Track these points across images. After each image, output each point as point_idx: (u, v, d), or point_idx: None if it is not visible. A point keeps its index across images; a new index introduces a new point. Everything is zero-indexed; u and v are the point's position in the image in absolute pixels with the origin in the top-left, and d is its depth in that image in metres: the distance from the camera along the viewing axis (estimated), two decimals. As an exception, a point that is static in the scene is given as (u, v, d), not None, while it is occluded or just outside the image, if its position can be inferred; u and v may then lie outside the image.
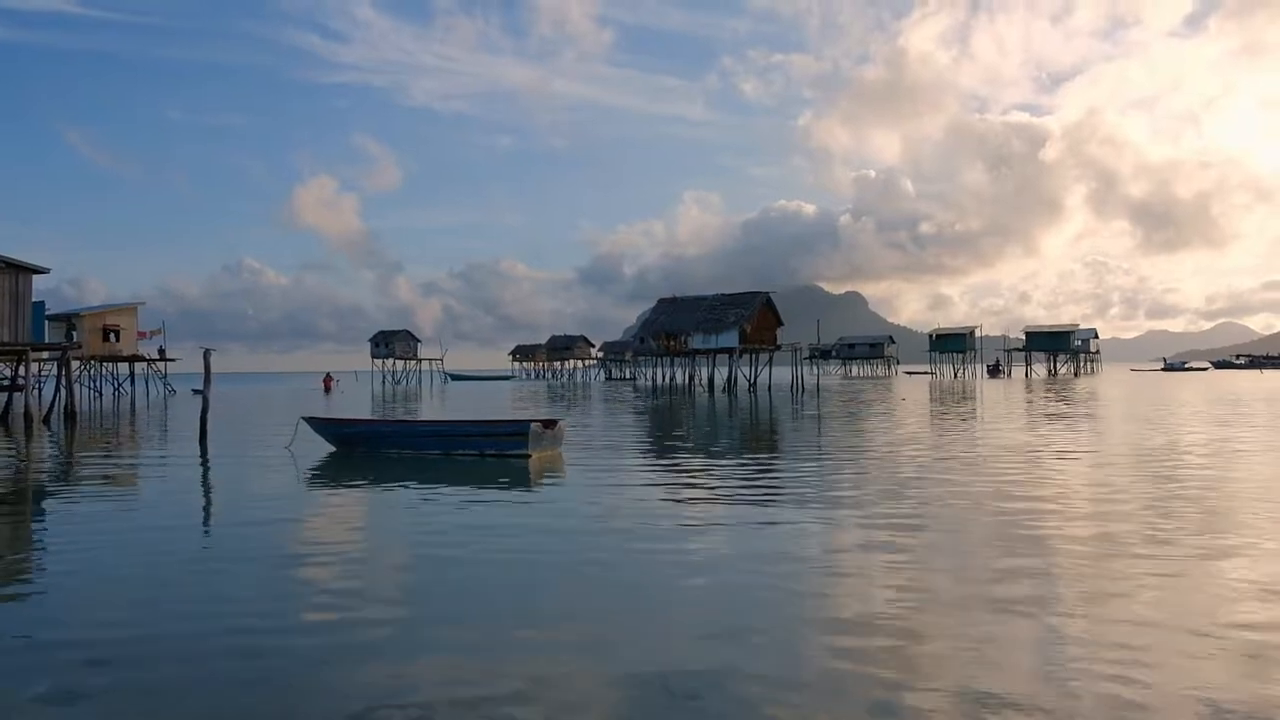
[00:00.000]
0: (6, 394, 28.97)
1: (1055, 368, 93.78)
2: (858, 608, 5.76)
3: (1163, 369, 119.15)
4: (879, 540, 7.83)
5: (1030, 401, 36.64)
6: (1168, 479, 11.80)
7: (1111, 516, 9.01)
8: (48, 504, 11.37)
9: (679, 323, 60.48)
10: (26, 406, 26.08)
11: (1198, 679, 4.38)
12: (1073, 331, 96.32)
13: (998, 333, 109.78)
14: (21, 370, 28.43)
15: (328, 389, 63.30)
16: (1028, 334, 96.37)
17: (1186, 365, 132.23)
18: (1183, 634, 5.06)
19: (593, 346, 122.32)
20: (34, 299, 28.08)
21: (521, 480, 12.46)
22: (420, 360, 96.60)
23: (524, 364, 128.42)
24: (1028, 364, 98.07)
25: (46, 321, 33.57)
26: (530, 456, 14.62)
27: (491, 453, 15.13)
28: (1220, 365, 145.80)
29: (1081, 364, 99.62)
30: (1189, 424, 21.70)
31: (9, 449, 18.35)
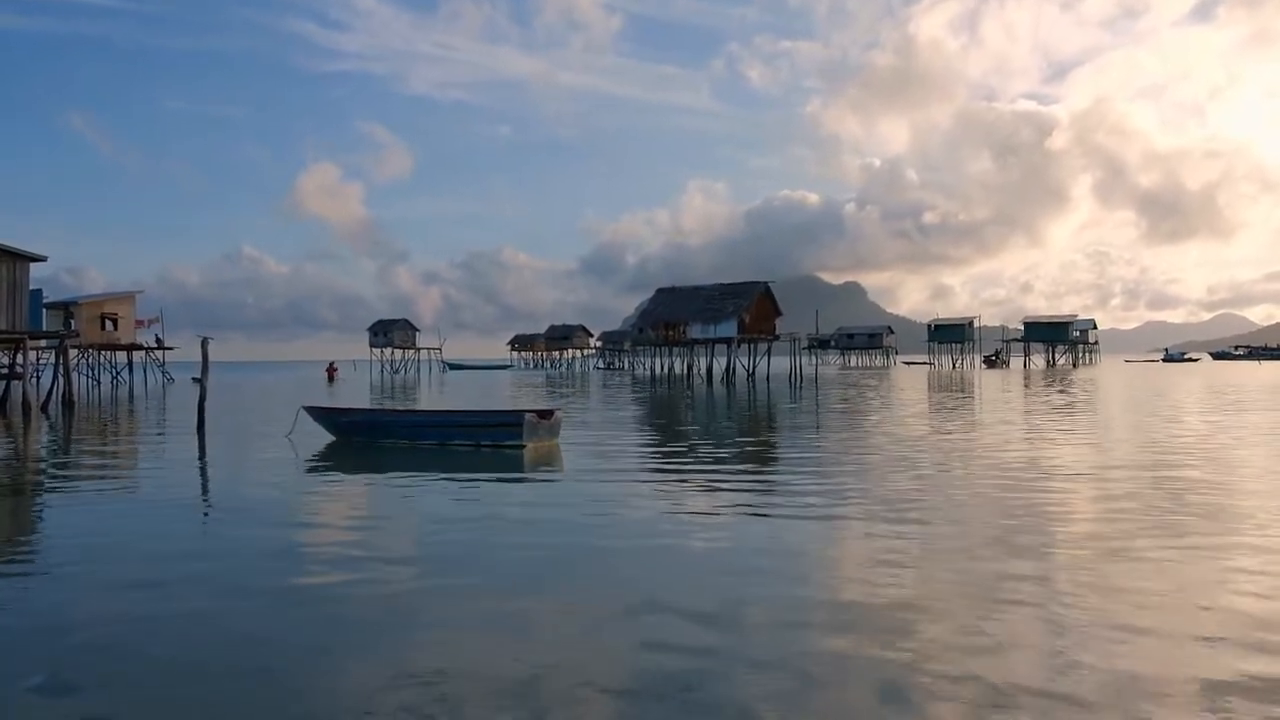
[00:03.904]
0: (4, 382, 28.94)
1: (1054, 358, 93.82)
2: (853, 610, 5.77)
3: (1163, 360, 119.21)
4: (877, 532, 7.86)
5: (1028, 396, 36.70)
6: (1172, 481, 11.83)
7: (1109, 505, 9.03)
8: (44, 492, 11.36)
9: (677, 312, 60.47)
10: (24, 395, 26.06)
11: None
12: (1071, 322, 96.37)
13: (997, 323, 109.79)
14: (19, 358, 28.41)
15: (331, 378, 63.39)
16: (1026, 325, 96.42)
17: (1186, 356, 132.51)
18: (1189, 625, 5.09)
19: (591, 336, 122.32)
20: (31, 287, 28.04)
21: (514, 471, 12.47)
22: (419, 349, 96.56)
23: (522, 354, 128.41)
24: (1026, 355, 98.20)
25: (44, 310, 33.54)
26: (525, 447, 14.60)
27: (487, 444, 15.12)
28: (1219, 356, 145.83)
29: (1080, 355, 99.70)
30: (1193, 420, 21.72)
31: (7, 437, 18.34)
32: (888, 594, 5.81)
